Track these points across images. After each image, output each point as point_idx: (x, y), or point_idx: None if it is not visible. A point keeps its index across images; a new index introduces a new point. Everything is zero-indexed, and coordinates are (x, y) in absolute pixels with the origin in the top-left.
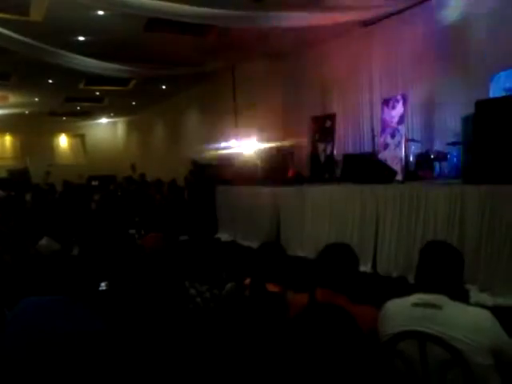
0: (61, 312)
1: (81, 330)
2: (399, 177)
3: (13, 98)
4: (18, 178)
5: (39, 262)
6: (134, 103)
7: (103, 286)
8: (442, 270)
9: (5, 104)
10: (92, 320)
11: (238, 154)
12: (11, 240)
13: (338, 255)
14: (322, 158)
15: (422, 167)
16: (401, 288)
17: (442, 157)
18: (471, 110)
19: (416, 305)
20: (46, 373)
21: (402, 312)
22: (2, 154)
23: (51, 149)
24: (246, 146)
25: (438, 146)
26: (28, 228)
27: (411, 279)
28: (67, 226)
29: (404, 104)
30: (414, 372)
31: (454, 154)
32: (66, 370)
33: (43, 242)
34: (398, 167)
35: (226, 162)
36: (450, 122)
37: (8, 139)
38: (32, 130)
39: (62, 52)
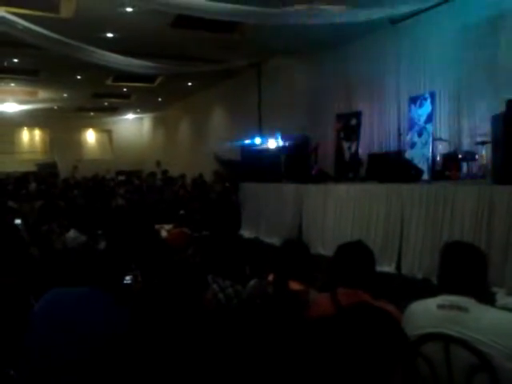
0: (87, 303)
1: (106, 321)
2: (426, 176)
3: (42, 94)
4: (46, 172)
5: (66, 254)
6: (160, 99)
7: (128, 279)
8: (463, 270)
9: (34, 99)
10: (117, 311)
11: (262, 151)
12: (38, 232)
13: (353, 253)
14: (347, 156)
15: (449, 167)
16: (425, 290)
17: (469, 157)
18: (501, 108)
19: (441, 306)
20: (72, 360)
21: (426, 314)
22: (31, 148)
23: (79, 144)
24: (270, 143)
25: (466, 145)
26: (55, 221)
27: (436, 281)
28: (94, 219)
29: (432, 102)
30: (438, 375)
31: (483, 153)
32: (90, 358)
33: (70, 234)
34: (424, 166)
35: (250, 159)
36: (479, 121)
37: (37, 133)
38: (60, 124)
39: (91, 48)
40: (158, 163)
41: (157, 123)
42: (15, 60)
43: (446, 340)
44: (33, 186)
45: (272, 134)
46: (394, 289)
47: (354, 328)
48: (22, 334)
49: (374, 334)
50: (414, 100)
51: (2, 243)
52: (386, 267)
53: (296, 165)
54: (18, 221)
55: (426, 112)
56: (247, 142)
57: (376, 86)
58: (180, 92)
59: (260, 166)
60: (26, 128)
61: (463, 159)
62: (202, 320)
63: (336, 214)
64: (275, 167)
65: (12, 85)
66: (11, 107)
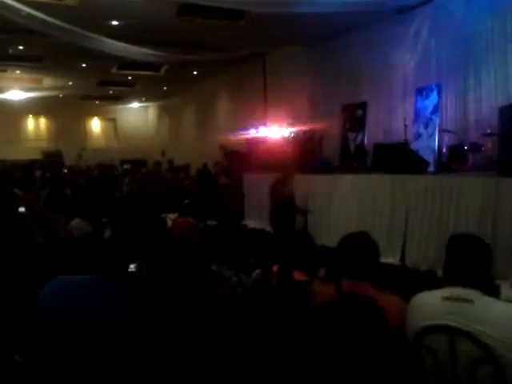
0: (91, 291)
1: (110, 309)
2: (431, 168)
3: (47, 81)
4: (51, 160)
5: (71, 242)
6: (165, 88)
7: (132, 267)
8: (469, 263)
9: (39, 87)
10: (123, 299)
11: (267, 141)
12: (43, 220)
13: (357, 244)
14: (352, 147)
15: (455, 159)
16: (429, 282)
17: (476, 148)
18: (509, 100)
19: (446, 298)
20: (76, 347)
21: (431, 305)
22: (36, 136)
23: (84, 132)
24: (274, 133)
25: (473, 137)
26: (61, 209)
27: (441, 273)
28: (99, 207)
29: (438, 93)
30: (442, 367)
31: (489, 145)
32: (97, 346)
33: (75, 222)
34: (430, 158)
35: (255, 149)
36: (486, 113)
37: (43, 121)
38: (66, 113)
39: (96, 36)
40: (163, 153)
41: (162, 112)
42: (20, 47)
43: (450, 332)
44: (38, 173)
45: (278, 125)
46: (397, 280)
47: (344, 317)
48: (26, 321)
49: (360, 323)
50: (420, 91)
51: (8, 231)
52: (390, 258)
53: (301, 155)
54: (21, 209)
55: (433, 103)
56: (253, 132)
57: (383, 77)
58: (185, 81)
59: (265, 156)
60: (31, 116)
61: (469, 151)
62: (207, 308)
63: (341, 204)
64: (280, 158)
65: (17, 72)
66: (16, 95)
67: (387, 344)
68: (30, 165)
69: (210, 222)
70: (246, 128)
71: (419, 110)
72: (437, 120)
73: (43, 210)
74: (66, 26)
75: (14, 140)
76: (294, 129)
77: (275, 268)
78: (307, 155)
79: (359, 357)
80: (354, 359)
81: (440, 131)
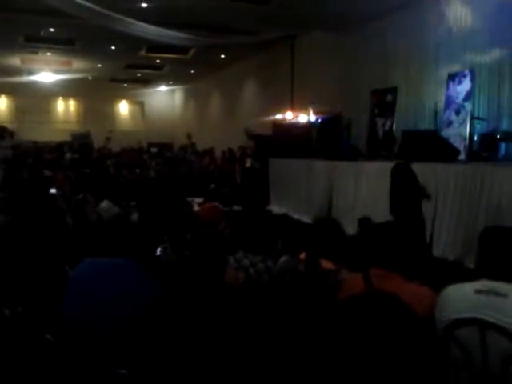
0: (120, 273)
1: (138, 292)
2: (462, 156)
3: (76, 64)
4: (80, 142)
5: (100, 225)
6: (192, 71)
7: (158, 251)
8: (503, 256)
9: (69, 69)
10: (149, 283)
11: (294, 126)
12: (72, 202)
13: (387, 233)
14: (381, 133)
15: (486, 147)
16: (457, 272)
17: (508, 137)
18: None
19: (479, 291)
20: (104, 328)
21: (463, 298)
22: (66, 118)
23: (112, 115)
24: (301, 118)
25: (506, 125)
26: (89, 191)
27: (468, 263)
28: (127, 190)
29: (472, 79)
30: (472, 362)
31: None
32: (123, 328)
33: (104, 205)
34: (461, 146)
35: (280, 134)
36: None
37: (72, 104)
38: (94, 95)
39: (125, 18)
40: (189, 136)
41: (188, 95)
42: (51, 29)
43: (481, 325)
44: (68, 156)
45: (304, 109)
46: (424, 270)
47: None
48: (58, 301)
49: (382, 321)
50: (452, 77)
51: (39, 212)
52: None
53: (328, 141)
54: (52, 190)
55: (465, 89)
56: (279, 116)
57: (414, 62)
58: (212, 64)
59: (291, 141)
60: (61, 98)
61: (501, 140)
62: (230, 294)
63: (367, 192)
64: (306, 143)
65: (48, 54)
66: (47, 77)
67: (414, 341)
68: (59, 146)
69: (235, 207)
70: (272, 113)
71: (451, 96)
72: (469, 107)
73: (72, 192)
74: (97, 8)
75: (44, 121)
76: (321, 114)
77: (302, 255)
78: (333, 141)
79: (383, 353)
80: (377, 356)
81: (472, 119)
